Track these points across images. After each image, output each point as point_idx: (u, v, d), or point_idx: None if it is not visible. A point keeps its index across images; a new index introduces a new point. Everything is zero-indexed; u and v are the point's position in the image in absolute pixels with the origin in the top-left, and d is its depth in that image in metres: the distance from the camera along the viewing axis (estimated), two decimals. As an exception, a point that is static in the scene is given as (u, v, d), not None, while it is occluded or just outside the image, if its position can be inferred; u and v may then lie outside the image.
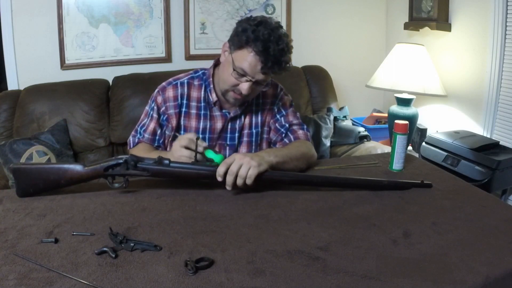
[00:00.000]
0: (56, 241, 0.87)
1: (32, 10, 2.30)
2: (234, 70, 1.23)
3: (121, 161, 1.06)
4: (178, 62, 2.64)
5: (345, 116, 2.63)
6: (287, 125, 1.42)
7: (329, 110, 2.57)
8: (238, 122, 1.41)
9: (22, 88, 2.27)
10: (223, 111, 1.39)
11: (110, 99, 2.32)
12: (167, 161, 1.07)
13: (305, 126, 1.45)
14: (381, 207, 1.06)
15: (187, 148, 1.15)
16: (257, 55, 1.19)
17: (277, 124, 1.44)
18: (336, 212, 1.03)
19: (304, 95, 2.62)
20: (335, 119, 2.56)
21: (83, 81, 2.32)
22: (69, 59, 2.43)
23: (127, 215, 1.00)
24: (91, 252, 0.83)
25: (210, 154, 1.14)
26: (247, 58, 1.20)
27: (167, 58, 2.63)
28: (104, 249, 0.82)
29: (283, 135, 1.42)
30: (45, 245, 0.86)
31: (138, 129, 1.42)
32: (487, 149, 1.97)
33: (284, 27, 2.76)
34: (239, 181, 1.07)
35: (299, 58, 2.85)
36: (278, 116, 1.44)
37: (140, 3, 2.50)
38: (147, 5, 2.52)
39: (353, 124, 2.64)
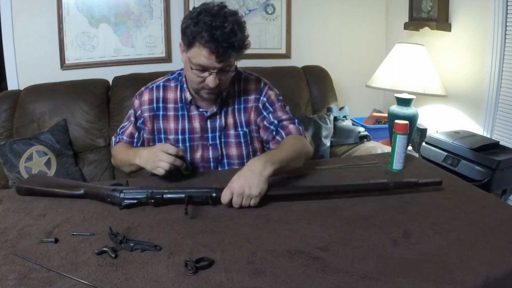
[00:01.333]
0: (56, 241, 0.87)
1: (32, 10, 2.30)
2: (192, 68, 1.22)
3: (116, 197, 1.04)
4: (178, 62, 2.61)
5: (345, 116, 2.63)
6: (276, 122, 1.37)
7: (329, 110, 2.57)
8: (218, 121, 1.38)
9: (22, 88, 2.27)
10: (200, 110, 1.37)
11: (110, 99, 2.32)
12: (159, 196, 1.04)
13: (296, 120, 1.39)
14: (381, 207, 1.06)
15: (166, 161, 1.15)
16: (206, 47, 1.16)
17: (265, 122, 1.38)
18: (336, 212, 1.03)
19: (304, 95, 2.62)
20: (335, 119, 2.56)
21: (83, 81, 2.32)
22: (69, 59, 2.43)
23: (127, 215, 1.00)
24: (91, 252, 0.83)
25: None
26: (200, 53, 1.18)
27: (167, 58, 2.63)
28: (104, 249, 0.82)
29: (274, 132, 1.37)
30: (45, 245, 0.86)
31: (119, 130, 1.47)
32: (487, 149, 1.97)
33: (284, 27, 2.82)
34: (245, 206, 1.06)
35: (299, 58, 2.86)
36: (265, 113, 1.38)
37: (140, 3, 2.50)
38: (147, 5, 2.52)
39: (353, 124, 2.64)
